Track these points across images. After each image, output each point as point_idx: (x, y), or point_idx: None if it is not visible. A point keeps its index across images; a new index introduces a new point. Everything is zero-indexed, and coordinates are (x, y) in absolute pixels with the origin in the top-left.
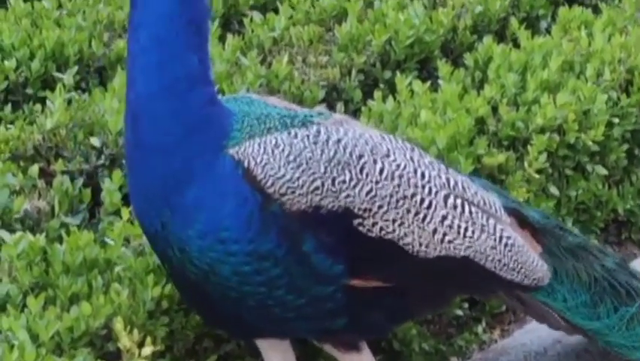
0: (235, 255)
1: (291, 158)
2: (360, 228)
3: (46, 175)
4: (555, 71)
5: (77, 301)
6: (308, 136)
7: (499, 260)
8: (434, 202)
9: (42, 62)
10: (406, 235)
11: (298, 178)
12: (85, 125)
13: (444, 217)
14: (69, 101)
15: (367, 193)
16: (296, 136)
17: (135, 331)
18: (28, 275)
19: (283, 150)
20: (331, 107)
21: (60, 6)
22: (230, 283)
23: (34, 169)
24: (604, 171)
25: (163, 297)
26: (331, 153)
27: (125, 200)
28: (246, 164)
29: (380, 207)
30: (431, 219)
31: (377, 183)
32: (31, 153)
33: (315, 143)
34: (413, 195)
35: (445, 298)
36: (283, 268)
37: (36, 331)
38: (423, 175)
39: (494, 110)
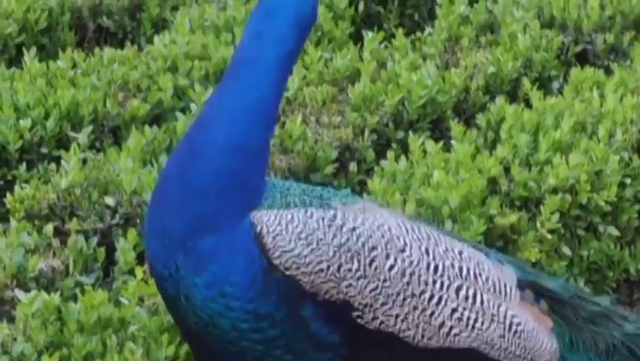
0: (234, 310)
1: (303, 235)
2: (359, 320)
3: (61, 234)
4: (567, 132)
5: (92, 360)
6: (323, 218)
7: (506, 348)
8: (444, 297)
9: (57, 122)
10: (408, 328)
11: (305, 256)
12: (99, 185)
13: (454, 310)
14: (84, 161)
15: (372, 290)
16: (312, 216)
17: None
18: (43, 334)
19: (297, 227)
20: (344, 167)
21: (75, 66)
22: (229, 337)
23: (49, 228)
24: (616, 232)
25: (177, 356)
26: (343, 240)
27: (140, 259)
28: (258, 229)
29: (383, 304)
30: (439, 314)
31: (384, 281)
32: (45, 212)
33: (329, 226)
34: (422, 293)
35: None
36: (281, 330)
37: None
38: (436, 269)
39: (506, 170)
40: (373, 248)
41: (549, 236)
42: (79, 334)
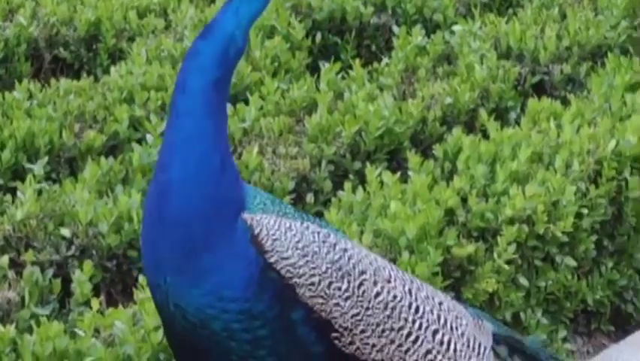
0: (229, 312)
1: (300, 245)
2: (336, 341)
3: (17, 266)
4: (524, 162)
5: None
6: (319, 233)
7: None
8: (421, 337)
9: (12, 153)
10: (382, 360)
11: (300, 267)
12: (55, 216)
13: (428, 351)
14: (39, 192)
15: (354, 316)
16: (308, 228)
17: None
18: None
19: (295, 235)
20: (301, 198)
21: (31, 96)
22: (218, 337)
23: (5, 260)
24: (573, 262)
25: None
26: (336, 257)
27: (96, 290)
28: (256, 231)
29: (362, 331)
30: (414, 352)
31: (367, 309)
32: (1, 244)
33: (324, 242)
34: (401, 328)
35: None
36: (270, 330)
37: None
38: (417, 310)
39: (464, 201)
40: (363, 272)
41: (506, 267)
42: None
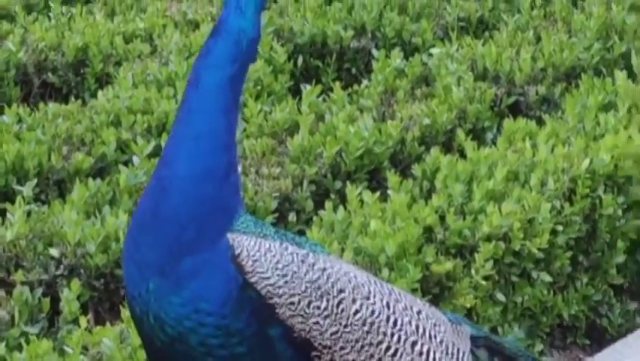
0: (207, 327)
1: (280, 266)
2: (316, 359)
3: (7, 285)
4: (500, 181)
5: None
6: (297, 254)
7: None
8: (400, 350)
9: (2, 175)
10: None
11: (280, 287)
12: (44, 237)
13: None
14: (29, 213)
15: (333, 334)
16: (287, 249)
17: None
18: None
19: (274, 256)
20: (284, 218)
21: (20, 120)
22: (196, 353)
23: None
24: (549, 278)
25: None
26: (314, 277)
27: (84, 309)
28: (237, 251)
29: (342, 348)
30: None
31: (346, 326)
32: None
33: (302, 262)
34: (380, 343)
35: None
36: (248, 347)
37: None
38: (395, 323)
39: (442, 219)
40: (341, 291)
41: (484, 283)
42: None
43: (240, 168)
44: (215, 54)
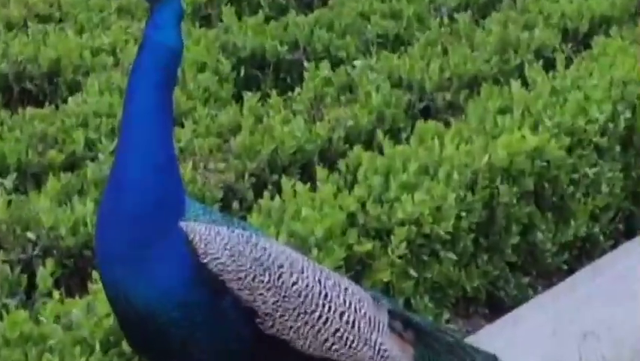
0: (170, 303)
1: (228, 247)
2: (260, 325)
3: None
4: (413, 174)
5: None
6: (242, 235)
7: None
8: (330, 318)
9: None
10: (299, 338)
11: (228, 265)
12: (22, 222)
13: (336, 330)
14: (9, 202)
15: (274, 303)
16: (233, 232)
17: None
18: None
19: (223, 239)
20: (228, 206)
21: (2, 123)
22: (164, 326)
23: None
24: (454, 257)
25: None
26: (257, 255)
27: (56, 284)
28: (191, 237)
29: (281, 315)
30: (325, 331)
31: (284, 296)
32: None
33: (247, 242)
34: (313, 312)
35: None
36: (204, 317)
37: None
38: (326, 296)
39: (363, 206)
40: (281, 266)
41: (399, 261)
42: (5, 347)
43: (190, 164)
44: (141, 65)
